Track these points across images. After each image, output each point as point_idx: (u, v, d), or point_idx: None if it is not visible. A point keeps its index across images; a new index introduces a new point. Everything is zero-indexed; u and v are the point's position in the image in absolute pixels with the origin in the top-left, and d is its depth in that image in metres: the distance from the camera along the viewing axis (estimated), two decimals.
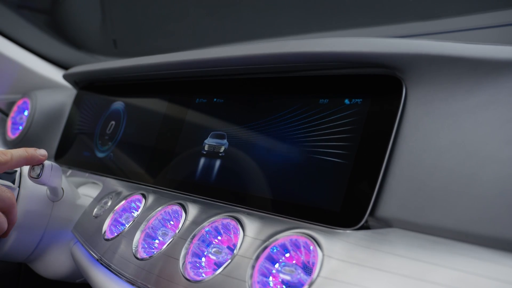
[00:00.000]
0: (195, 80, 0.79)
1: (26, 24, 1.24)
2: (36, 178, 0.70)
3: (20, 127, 1.15)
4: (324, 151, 0.56)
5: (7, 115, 1.23)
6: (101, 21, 1.29)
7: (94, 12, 1.29)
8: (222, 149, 0.68)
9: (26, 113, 1.16)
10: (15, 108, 1.19)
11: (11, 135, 1.16)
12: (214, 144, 0.68)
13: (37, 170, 0.69)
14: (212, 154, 0.69)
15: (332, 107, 0.57)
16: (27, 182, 0.76)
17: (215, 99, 0.74)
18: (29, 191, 0.76)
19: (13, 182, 0.76)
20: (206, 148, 0.70)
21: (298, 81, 0.63)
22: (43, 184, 0.72)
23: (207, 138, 0.71)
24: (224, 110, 0.71)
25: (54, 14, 1.30)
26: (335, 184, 0.53)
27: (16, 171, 0.76)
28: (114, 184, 0.85)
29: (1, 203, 0.64)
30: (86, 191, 0.92)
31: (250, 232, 0.55)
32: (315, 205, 0.54)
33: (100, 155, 0.94)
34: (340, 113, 0.56)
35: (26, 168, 0.77)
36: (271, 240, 0.52)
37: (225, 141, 0.68)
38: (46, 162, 0.71)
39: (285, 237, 0.51)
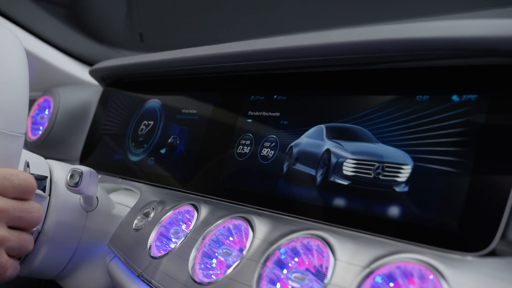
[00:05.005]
0: (248, 74, 0.70)
1: (46, 17, 1.15)
2: (74, 187, 0.61)
3: (41, 127, 1.06)
4: (428, 157, 0.47)
5: None
6: (126, 12, 1.20)
7: (118, 3, 1.19)
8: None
9: (47, 112, 1.07)
10: (35, 106, 1.10)
11: (31, 136, 1.07)
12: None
13: (76, 177, 0.60)
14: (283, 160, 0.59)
15: (434, 104, 0.48)
16: (58, 190, 0.67)
17: (275, 96, 0.64)
18: (61, 200, 0.67)
19: (44, 190, 0.67)
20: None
21: (386, 74, 0.53)
22: (81, 193, 0.63)
23: (264, 139, 0.62)
24: (288, 109, 0.62)
25: (76, 6, 1.21)
26: (447, 198, 0.44)
27: (46, 176, 0.67)
28: (153, 191, 0.76)
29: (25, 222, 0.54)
30: (119, 198, 0.83)
31: (342, 255, 0.45)
32: (422, 222, 0.45)
33: (133, 158, 0.85)
34: (446, 112, 0.47)
35: (57, 174, 0.68)
36: (372, 266, 0.43)
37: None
38: (85, 168, 0.62)
39: (391, 263, 0.42)
